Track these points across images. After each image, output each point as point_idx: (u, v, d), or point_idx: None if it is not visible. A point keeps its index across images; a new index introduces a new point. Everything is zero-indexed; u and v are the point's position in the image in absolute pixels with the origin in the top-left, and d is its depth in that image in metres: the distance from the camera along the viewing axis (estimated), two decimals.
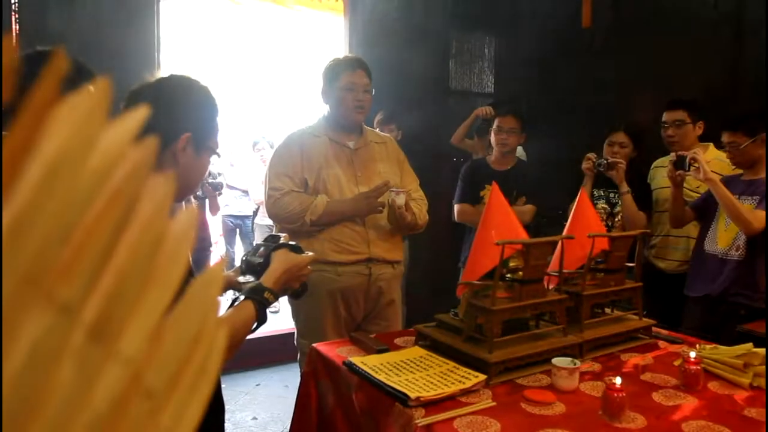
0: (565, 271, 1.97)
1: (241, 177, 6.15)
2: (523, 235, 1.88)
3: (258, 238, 5.53)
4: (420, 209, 2.63)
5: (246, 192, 6.12)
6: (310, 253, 1.60)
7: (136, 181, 0.33)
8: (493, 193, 1.94)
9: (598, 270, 2.09)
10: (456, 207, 3.65)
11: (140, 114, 0.34)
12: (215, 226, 6.07)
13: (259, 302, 1.43)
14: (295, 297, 1.66)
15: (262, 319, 1.44)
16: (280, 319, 5.29)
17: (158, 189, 0.34)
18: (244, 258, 1.61)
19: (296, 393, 1.99)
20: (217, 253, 6.01)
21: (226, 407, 3.61)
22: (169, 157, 1.35)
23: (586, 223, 2.09)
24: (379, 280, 2.57)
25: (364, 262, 2.52)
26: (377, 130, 3.98)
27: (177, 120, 1.35)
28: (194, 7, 4.12)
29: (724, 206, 2.68)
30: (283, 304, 4.68)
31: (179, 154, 1.36)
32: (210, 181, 4.26)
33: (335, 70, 2.59)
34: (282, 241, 1.59)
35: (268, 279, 1.49)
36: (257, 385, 4.02)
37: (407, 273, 4.28)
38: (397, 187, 2.56)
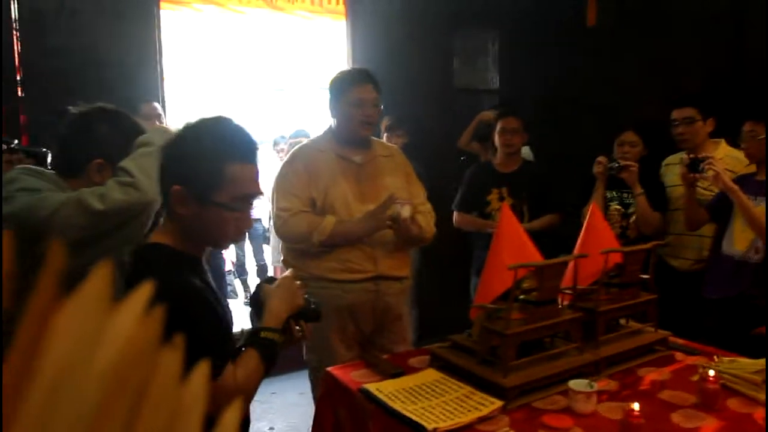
0: (578, 287, 1.95)
1: None
2: (536, 256, 1.86)
3: (273, 240, 5.49)
4: (427, 222, 2.60)
5: None
6: (288, 270, 1.65)
7: (145, 365, 0.32)
8: (503, 215, 1.92)
9: (612, 285, 2.07)
10: (455, 214, 3.64)
11: (143, 294, 0.33)
12: None
13: (260, 345, 1.45)
14: (314, 320, 1.65)
15: (269, 359, 1.45)
16: None
17: (167, 364, 0.34)
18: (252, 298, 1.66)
19: (312, 402, 1.98)
20: (227, 255, 6.03)
21: None
22: (170, 210, 1.39)
23: (599, 237, 2.07)
24: (386, 295, 2.55)
25: (371, 279, 2.50)
26: (384, 135, 3.97)
27: (171, 175, 1.39)
28: (193, 17, 4.10)
29: (744, 216, 2.63)
30: None
31: (178, 208, 1.37)
32: None
33: (342, 84, 2.54)
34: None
35: (266, 319, 1.51)
36: (272, 393, 4.04)
37: (419, 277, 4.28)
38: (403, 199, 2.54)
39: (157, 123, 3.47)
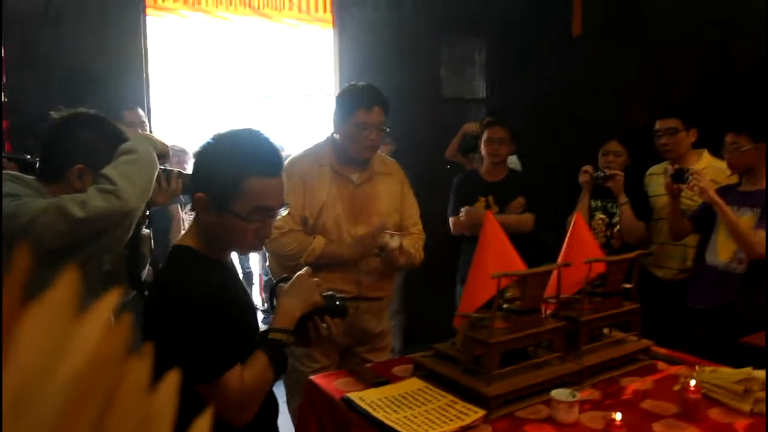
0: (562, 296, 1.97)
1: None
2: (519, 265, 1.87)
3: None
4: (416, 247, 2.59)
5: None
6: (305, 268, 1.64)
7: (111, 373, 0.32)
8: (487, 222, 1.93)
9: (595, 294, 2.09)
10: (451, 220, 3.64)
11: (110, 301, 0.33)
12: None
13: (267, 347, 1.47)
14: (339, 316, 1.63)
15: (277, 361, 1.47)
16: None
17: (135, 372, 0.33)
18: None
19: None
20: None
21: None
22: (196, 214, 1.50)
23: (583, 246, 2.08)
24: (365, 313, 2.55)
25: (351, 299, 2.45)
26: None
27: (196, 181, 1.48)
28: (179, 23, 4.10)
29: (729, 229, 2.66)
30: None
31: (201, 214, 1.46)
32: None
33: (350, 103, 2.48)
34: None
35: (276, 319, 1.53)
36: None
37: (406, 285, 4.28)
38: (395, 226, 2.55)
39: (140, 131, 3.46)
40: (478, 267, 1.87)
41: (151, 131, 3.67)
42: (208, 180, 1.45)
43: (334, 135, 2.56)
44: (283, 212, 1.57)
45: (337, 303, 1.61)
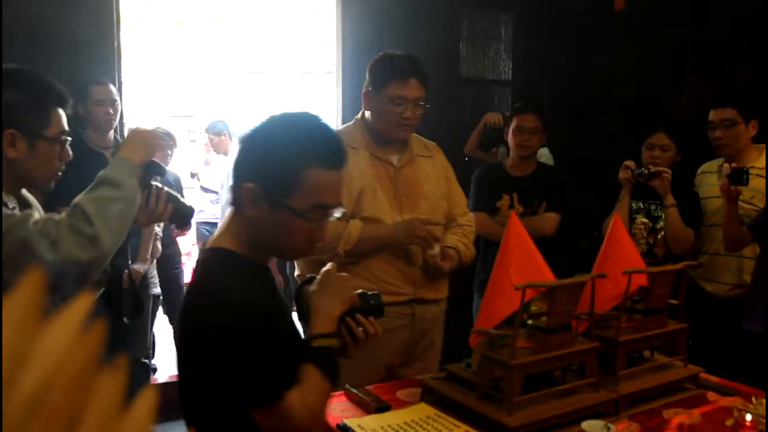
0: (596, 312, 1.96)
1: (217, 178, 6.10)
2: (547, 274, 1.87)
3: None
4: (466, 243, 2.60)
5: None
6: (329, 264, 1.63)
7: (79, 388, 0.32)
8: (511, 224, 1.93)
9: (635, 310, 2.08)
10: (472, 216, 3.61)
11: (81, 307, 0.33)
12: (188, 236, 6.06)
13: (315, 357, 1.45)
14: (375, 314, 1.61)
15: (330, 371, 1.45)
16: None
17: (107, 388, 0.33)
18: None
19: None
20: (189, 265, 6.00)
21: None
22: (239, 209, 1.46)
23: (621, 254, 2.08)
24: (423, 320, 2.55)
25: (407, 302, 2.48)
26: None
27: (244, 169, 1.45)
28: None
29: None
30: None
31: (247, 208, 1.42)
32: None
33: (383, 75, 2.47)
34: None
35: (315, 323, 1.51)
36: None
37: None
38: (444, 216, 2.56)
39: (111, 110, 3.46)
40: (500, 276, 1.87)
41: (122, 110, 3.67)
42: (263, 169, 1.42)
43: (365, 112, 2.57)
44: (338, 214, 1.55)
45: (371, 300, 1.61)
